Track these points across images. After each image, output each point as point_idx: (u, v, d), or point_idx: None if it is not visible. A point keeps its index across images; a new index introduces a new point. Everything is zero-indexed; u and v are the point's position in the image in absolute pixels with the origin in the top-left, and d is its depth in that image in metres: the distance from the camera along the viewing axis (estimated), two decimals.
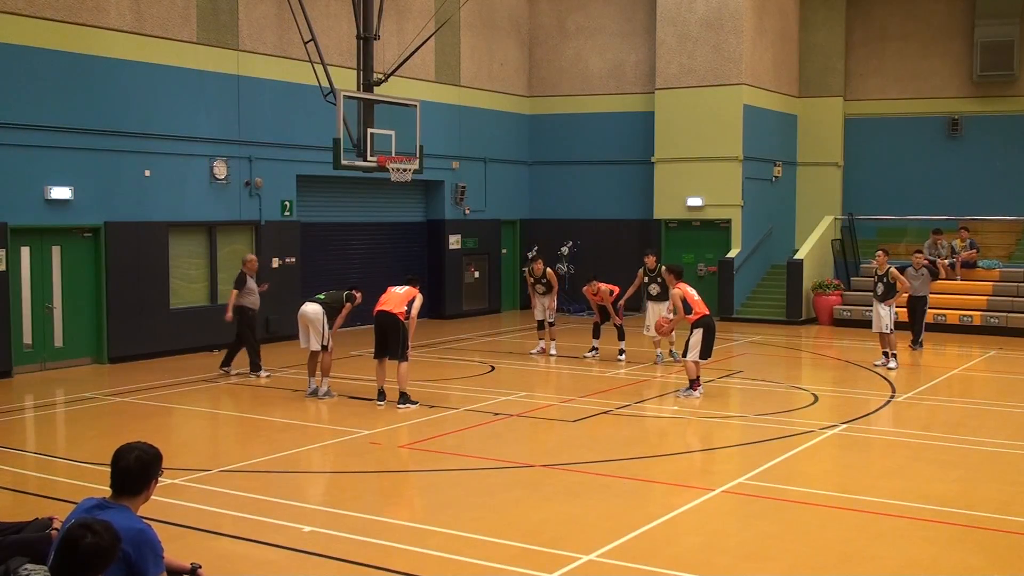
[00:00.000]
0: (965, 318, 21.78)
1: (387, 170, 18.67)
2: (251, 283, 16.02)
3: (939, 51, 25.88)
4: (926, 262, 19.90)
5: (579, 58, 26.50)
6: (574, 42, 26.55)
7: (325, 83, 18.34)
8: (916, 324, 19.27)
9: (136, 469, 4.98)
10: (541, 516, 8.74)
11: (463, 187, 24.55)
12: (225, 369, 16.17)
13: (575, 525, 8.49)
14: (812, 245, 24.27)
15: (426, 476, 10.37)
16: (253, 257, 16.54)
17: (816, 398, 14.49)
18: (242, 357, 16.16)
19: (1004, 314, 21.74)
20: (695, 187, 24.64)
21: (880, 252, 17.83)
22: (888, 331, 17.06)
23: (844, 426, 12.46)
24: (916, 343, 19.20)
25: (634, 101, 25.81)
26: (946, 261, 22.96)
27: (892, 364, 16.90)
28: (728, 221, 24.50)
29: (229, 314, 15.82)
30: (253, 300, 16.08)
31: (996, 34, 24.80)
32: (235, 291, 15.91)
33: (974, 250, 23.26)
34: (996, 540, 8.27)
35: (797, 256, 23.99)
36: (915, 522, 8.64)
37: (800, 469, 10.60)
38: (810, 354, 19.95)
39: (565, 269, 25.89)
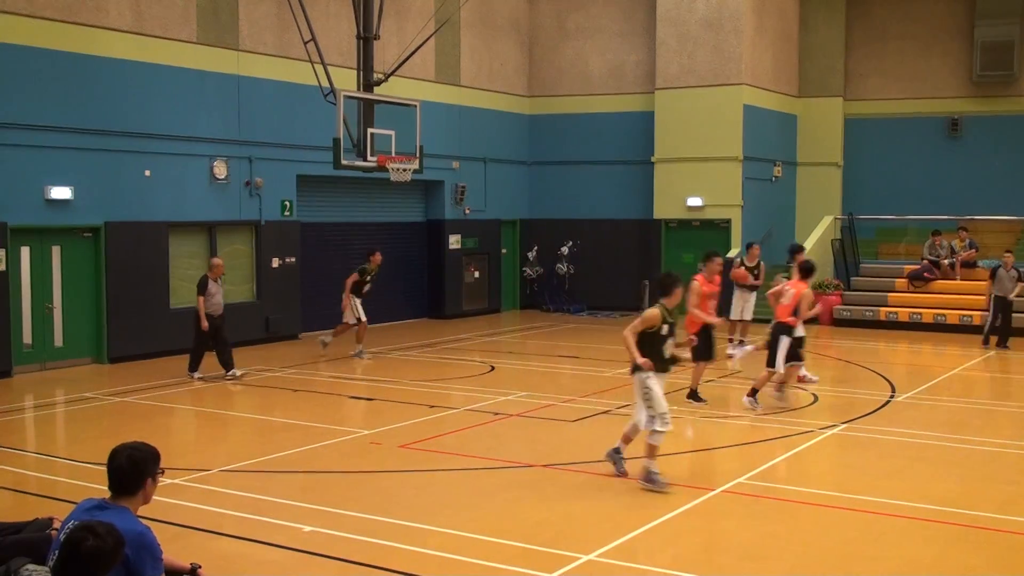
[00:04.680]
0: (965, 318, 21.75)
1: (387, 170, 18.67)
2: (212, 287, 15.85)
3: (939, 51, 25.88)
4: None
5: (579, 58, 26.49)
6: (574, 42, 26.53)
7: (325, 83, 18.33)
8: (1004, 325, 19.53)
9: (128, 468, 4.95)
10: (541, 516, 8.74)
11: (463, 187, 24.54)
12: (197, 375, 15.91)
13: (575, 525, 8.49)
14: (812, 245, 24.23)
15: (426, 476, 10.36)
16: (220, 262, 16.37)
17: (816, 398, 14.49)
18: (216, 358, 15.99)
19: None
20: (695, 187, 24.64)
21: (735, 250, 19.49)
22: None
23: (844, 426, 12.46)
24: (1003, 344, 19.49)
25: (634, 101, 25.80)
26: (946, 261, 22.96)
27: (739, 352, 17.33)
28: (728, 221, 24.50)
29: (204, 323, 15.59)
30: (215, 303, 15.88)
31: (996, 34, 24.80)
32: (201, 297, 15.67)
33: (973, 250, 23.25)
34: (996, 540, 8.27)
35: None
36: (915, 522, 8.64)
37: (800, 469, 10.60)
38: (810, 354, 19.87)
39: (565, 269, 25.91)
